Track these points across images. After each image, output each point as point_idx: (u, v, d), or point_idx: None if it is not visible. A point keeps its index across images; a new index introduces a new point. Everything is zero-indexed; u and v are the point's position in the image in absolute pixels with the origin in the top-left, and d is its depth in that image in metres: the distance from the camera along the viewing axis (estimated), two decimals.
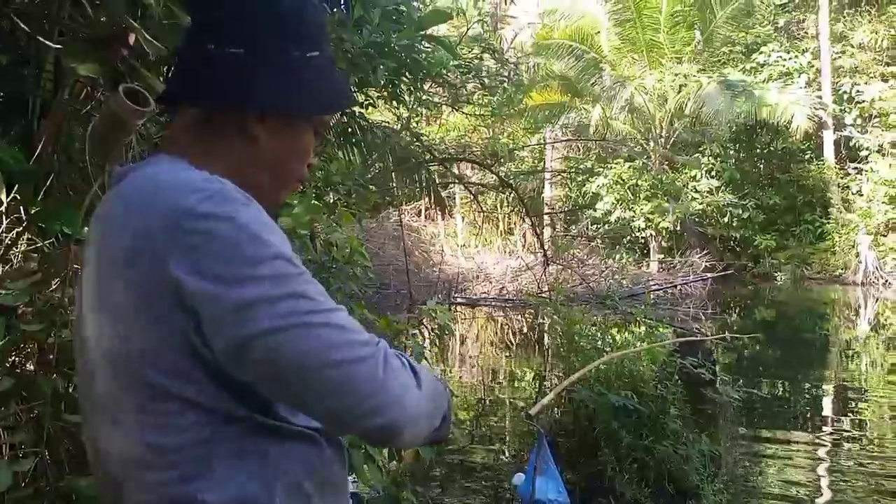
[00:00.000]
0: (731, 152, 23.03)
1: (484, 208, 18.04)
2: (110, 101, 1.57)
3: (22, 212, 2.54)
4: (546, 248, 13.44)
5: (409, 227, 15.68)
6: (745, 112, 19.80)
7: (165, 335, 0.83)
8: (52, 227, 2.25)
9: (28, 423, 1.64)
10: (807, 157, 23.75)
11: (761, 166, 24.51)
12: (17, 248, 2.12)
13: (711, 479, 3.90)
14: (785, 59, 22.65)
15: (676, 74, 19.58)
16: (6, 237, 2.47)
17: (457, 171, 12.64)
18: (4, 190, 2.32)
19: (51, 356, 1.75)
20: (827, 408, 7.26)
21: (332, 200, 3.90)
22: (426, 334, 4.79)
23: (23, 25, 2.81)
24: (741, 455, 4.86)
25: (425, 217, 20.03)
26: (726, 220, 21.87)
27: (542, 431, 3.11)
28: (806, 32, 24.03)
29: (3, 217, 2.45)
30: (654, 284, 15.09)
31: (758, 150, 24.06)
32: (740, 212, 21.71)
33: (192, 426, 0.87)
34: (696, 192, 21.08)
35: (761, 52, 22.78)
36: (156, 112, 1.61)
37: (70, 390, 1.81)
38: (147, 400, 0.87)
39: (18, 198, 2.52)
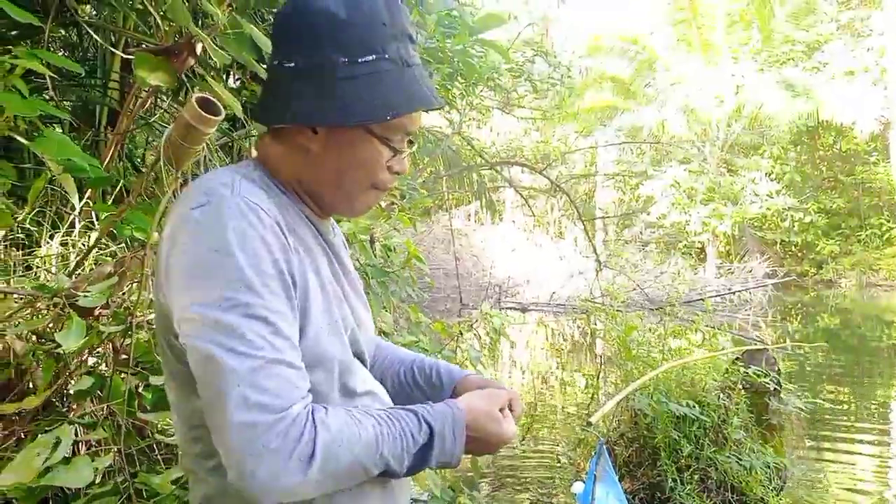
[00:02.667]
0: (792, 154, 22.34)
1: (535, 212, 17.93)
2: (183, 109, 1.62)
3: (94, 216, 2.64)
4: (598, 252, 13.26)
5: (458, 230, 15.69)
6: (807, 113, 19.18)
7: (174, 317, 0.89)
8: (122, 232, 2.34)
9: (104, 421, 1.70)
10: (872, 158, 22.83)
11: (823, 168, 23.69)
12: (92, 252, 2.20)
13: (777, 491, 3.77)
14: (849, 58, 21.83)
15: (733, 74, 19.10)
16: (79, 241, 2.57)
17: (508, 175, 12.60)
18: (77, 195, 2.42)
19: (124, 356, 1.81)
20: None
21: (384, 205, 3.94)
22: (480, 338, 4.78)
23: (95, 36, 2.94)
24: (807, 466, 4.69)
25: (475, 221, 20.04)
26: (787, 224, 21.21)
27: (603, 440, 3.05)
28: (871, 29, 23.10)
29: (77, 221, 2.56)
30: (712, 290, 14.70)
31: (820, 152, 23.28)
32: (801, 216, 21.04)
33: (193, 410, 0.92)
34: (756, 195, 20.50)
35: (823, 51, 22.02)
36: (233, 135, 1.66)
37: (141, 389, 1.87)
38: (169, 373, 0.96)
39: (91, 203, 2.63)
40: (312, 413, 0.84)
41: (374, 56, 0.94)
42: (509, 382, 8.24)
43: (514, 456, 5.06)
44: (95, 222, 2.60)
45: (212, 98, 1.64)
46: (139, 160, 3.45)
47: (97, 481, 1.69)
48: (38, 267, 2.45)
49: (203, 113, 1.53)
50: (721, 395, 3.89)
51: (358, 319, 1.07)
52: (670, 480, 3.66)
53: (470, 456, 2.76)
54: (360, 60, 0.94)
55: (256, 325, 0.82)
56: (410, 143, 1.07)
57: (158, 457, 1.94)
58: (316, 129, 0.97)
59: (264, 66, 2.45)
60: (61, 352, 1.74)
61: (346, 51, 0.93)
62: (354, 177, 1.00)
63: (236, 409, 0.79)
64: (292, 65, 0.96)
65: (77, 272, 2.10)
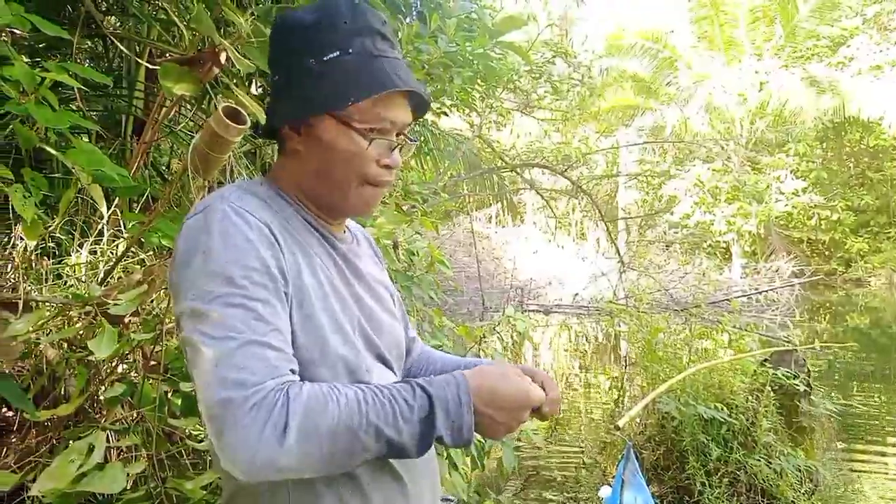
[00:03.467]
0: (818, 151, 21.97)
1: (556, 213, 17.84)
2: (209, 119, 1.64)
3: (122, 224, 2.68)
4: (621, 253, 13.15)
5: (479, 233, 15.66)
6: (832, 108, 18.86)
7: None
8: (150, 240, 2.37)
9: (136, 427, 1.72)
10: None
11: (851, 165, 23.29)
12: (121, 261, 2.23)
13: (808, 495, 3.70)
14: (875, 52, 21.42)
15: (757, 71, 18.85)
16: (108, 249, 2.61)
17: (529, 177, 12.55)
18: (105, 204, 2.45)
19: (153, 363, 1.84)
20: None
21: (406, 209, 3.95)
22: (503, 340, 4.76)
23: (121, 46, 2.98)
24: (838, 469, 4.60)
25: (496, 223, 20.00)
26: (813, 222, 20.87)
27: (630, 444, 3.02)
28: None
29: (105, 229, 2.60)
30: (738, 290, 14.51)
31: (847, 148, 22.87)
32: (829, 213, 20.68)
33: None
34: (781, 193, 20.20)
35: (849, 46, 21.64)
36: (252, 130, 1.68)
37: (171, 396, 1.89)
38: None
39: (119, 212, 2.66)
40: (288, 388, 0.85)
41: (337, 52, 1.00)
42: None
43: (538, 460, 5.03)
44: (123, 230, 2.64)
45: (237, 107, 1.66)
46: (164, 167, 3.50)
47: (129, 487, 1.71)
48: (68, 275, 2.49)
49: (229, 122, 1.54)
50: (749, 398, 3.83)
51: (375, 323, 1.09)
52: (699, 484, 3.61)
53: (497, 452, 2.73)
54: (325, 59, 1.00)
55: (236, 311, 0.87)
56: (407, 138, 1.08)
57: (188, 462, 1.96)
58: (299, 131, 1.03)
59: None
60: (93, 359, 1.76)
61: (313, 52, 1.01)
62: (340, 171, 1.03)
63: (215, 388, 0.83)
64: (276, 78, 1.06)
65: (107, 281, 2.13)
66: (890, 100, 18.83)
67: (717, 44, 20.04)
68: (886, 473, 4.82)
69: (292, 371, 0.89)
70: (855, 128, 21.40)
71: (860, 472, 4.74)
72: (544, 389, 1.04)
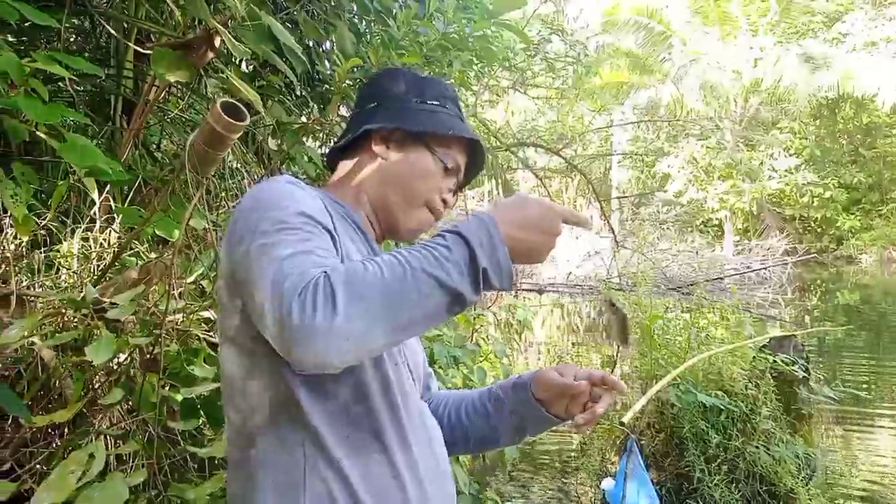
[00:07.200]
0: (812, 128, 21.93)
1: (550, 192, 17.75)
2: (208, 115, 1.57)
3: (114, 213, 2.60)
4: (615, 231, 13.11)
5: (472, 212, 15.56)
6: (827, 85, 18.78)
7: (222, 277, 1.01)
8: (145, 232, 2.30)
9: (136, 432, 1.67)
10: (895, 131, 22.39)
11: (844, 142, 23.28)
12: (118, 257, 2.16)
13: (806, 481, 3.72)
14: (870, 28, 21.30)
15: (752, 47, 18.71)
16: (101, 237, 2.53)
17: (523, 156, 12.42)
18: (97, 192, 2.38)
19: (149, 357, 1.78)
20: None
21: None
22: (499, 323, 4.72)
23: (108, 26, 2.88)
24: (836, 452, 4.63)
25: (489, 202, 19.90)
26: (806, 199, 20.90)
27: (633, 437, 3.01)
28: None
29: (98, 217, 2.52)
30: (730, 268, 14.54)
31: (840, 126, 22.84)
32: (821, 191, 20.70)
33: (231, 359, 1.00)
34: (774, 170, 20.20)
35: (844, 21, 21.51)
36: (250, 126, 1.62)
37: (169, 391, 1.84)
38: (221, 333, 1.04)
39: (112, 199, 2.58)
40: (325, 269, 0.86)
41: (438, 102, 1.20)
42: (525, 364, 8.17)
43: (535, 444, 5.03)
44: (116, 217, 2.57)
45: (235, 102, 1.59)
46: (155, 146, 3.40)
47: (132, 497, 1.66)
48: (61, 265, 2.42)
49: (230, 120, 1.48)
50: (749, 385, 3.82)
51: None
52: (698, 471, 3.62)
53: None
54: (428, 101, 1.19)
55: (287, 236, 0.91)
56: (458, 189, 1.23)
57: (193, 466, 1.92)
58: (388, 144, 1.16)
59: (283, 57, 2.42)
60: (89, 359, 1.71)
61: (419, 94, 1.19)
62: (414, 185, 1.15)
63: (266, 289, 0.86)
64: (374, 104, 1.19)
65: (104, 276, 2.07)
66: (884, 76, 18.77)
67: (711, 19, 19.86)
68: (883, 454, 4.89)
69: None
70: (849, 105, 21.36)
71: (856, 452, 4.78)
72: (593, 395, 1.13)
